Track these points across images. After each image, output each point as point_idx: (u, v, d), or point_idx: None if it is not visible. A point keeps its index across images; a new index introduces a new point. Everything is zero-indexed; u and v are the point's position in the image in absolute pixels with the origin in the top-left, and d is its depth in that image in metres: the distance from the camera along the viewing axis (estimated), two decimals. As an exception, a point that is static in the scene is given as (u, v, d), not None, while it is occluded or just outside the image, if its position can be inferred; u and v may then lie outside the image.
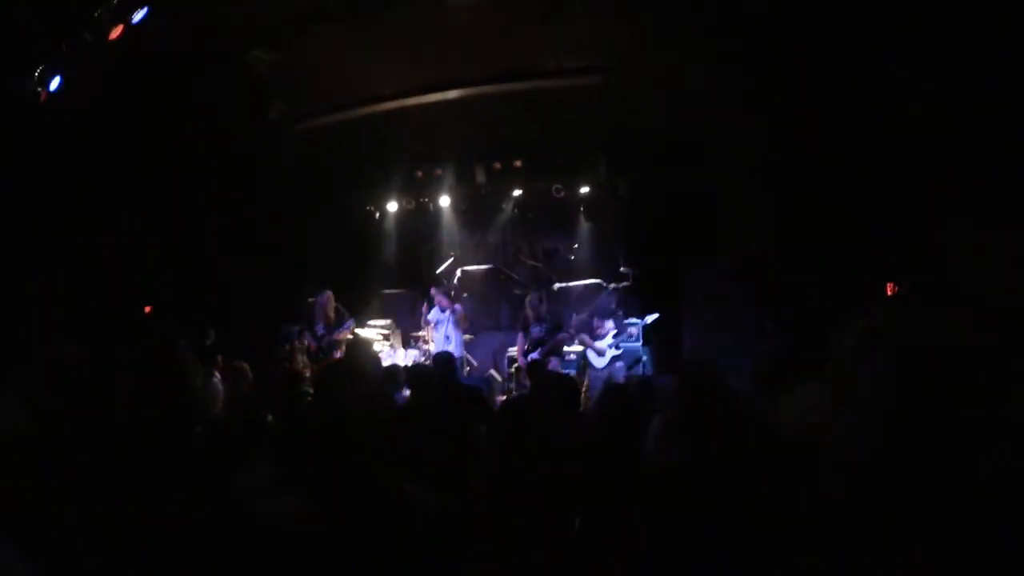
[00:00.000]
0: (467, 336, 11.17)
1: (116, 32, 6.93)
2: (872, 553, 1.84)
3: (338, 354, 9.23)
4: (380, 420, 3.61)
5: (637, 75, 8.91)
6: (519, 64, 9.00)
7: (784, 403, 3.23)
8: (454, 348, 9.86)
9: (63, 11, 6.86)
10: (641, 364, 10.27)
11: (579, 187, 11.95)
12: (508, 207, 12.54)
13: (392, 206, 12.73)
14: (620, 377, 9.41)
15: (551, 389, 4.46)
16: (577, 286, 12.08)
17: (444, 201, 12.48)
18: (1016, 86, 5.81)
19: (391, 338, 11.14)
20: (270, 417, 3.80)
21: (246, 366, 7.12)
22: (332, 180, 12.06)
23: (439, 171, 12.05)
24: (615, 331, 9.77)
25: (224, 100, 8.90)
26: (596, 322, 9.97)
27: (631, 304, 10.99)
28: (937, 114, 6.54)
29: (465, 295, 12.00)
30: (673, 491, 2.68)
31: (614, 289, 10.91)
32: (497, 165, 11.76)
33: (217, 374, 7.67)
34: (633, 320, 10.46)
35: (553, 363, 9.33)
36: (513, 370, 10.59)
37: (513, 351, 10.55)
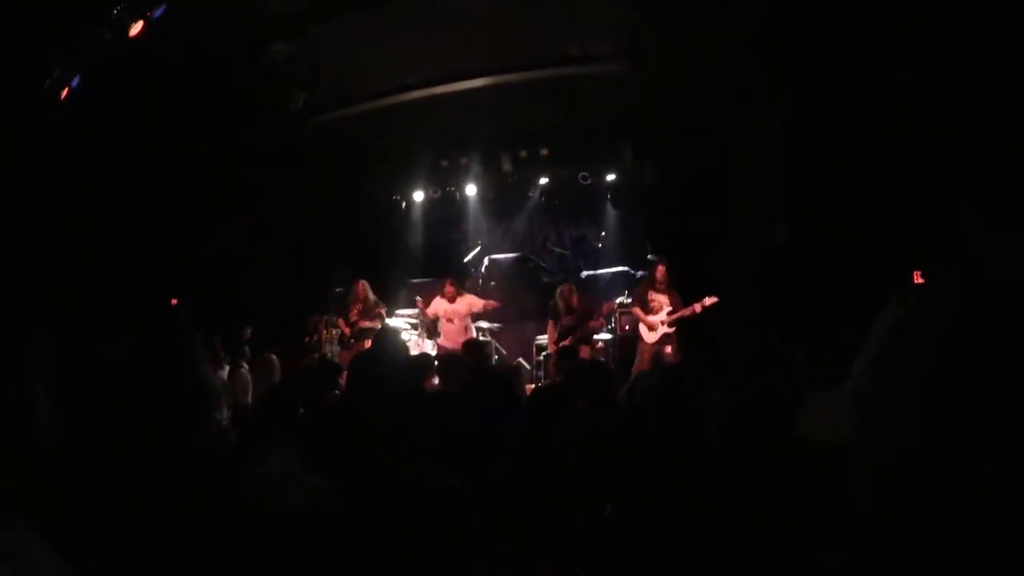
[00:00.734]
0: (495, 325, 11.20)
1: (136, 29, 6.96)
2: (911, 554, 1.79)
3: (368, 343, 9.28)
4: (411, 408, 3.61)
5: (662, 61, 8.83)
6: (544, 51, 8.95)
7: (811, 397, 3.18)
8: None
9: (82, 9, 6.89)
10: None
11: (605, 174, 11.90)
12: (534, 195, 12.53)
13: (418, 195, 12.76)
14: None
15: (583, 377, 4.44)
16: (605, 274, 12.04)
17: (470, 190, 12.48)
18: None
19: (419, 327, 11.17)
20: (301, 410, 3.82)
21: (275, 358, 7.17)
22: (358, 170, 12.09)
23: (465, 159, 12.04)
24: (670, 308, 9.48)
25: (247, 93, 8.93)
26: (651, 295, 9.69)
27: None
28: (961, 108, 6.44)
29: (493, 284, 12.00)
30: (712, 482, 2.66)
31: (641, 276, 10.83)
32: (523, 153, 11.74)
33: (245, 365, 7.74)
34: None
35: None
36: (542, 358, 10.59)
37: (541, 339, 10.53)
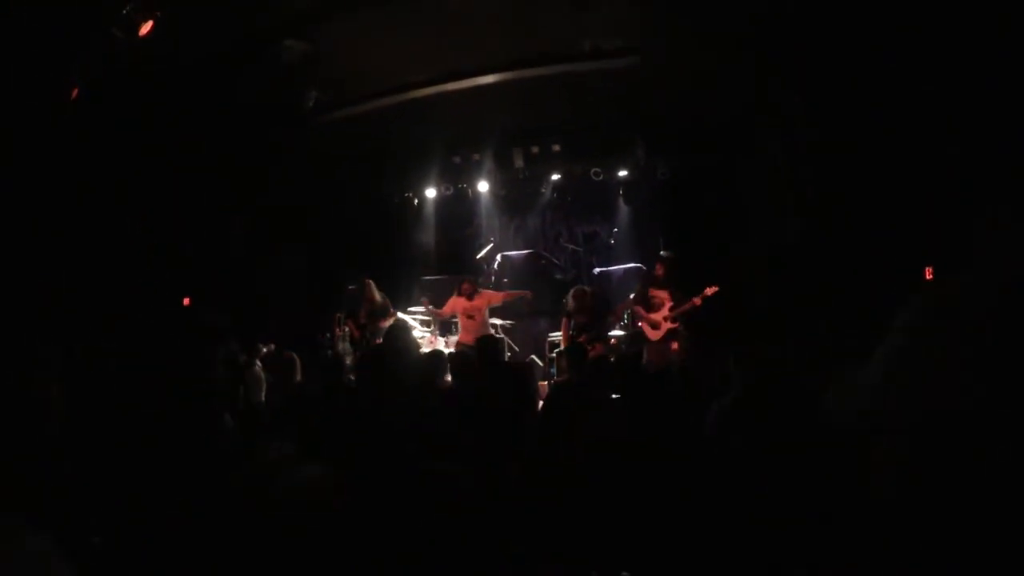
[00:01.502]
0: (508, 321, 11.19)
1: (146, 28, 6.97)
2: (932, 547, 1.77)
3: (379, 341, 9.29)
4: (422, 404, 3.61)
5: (674, 57, 8.79)
6: (555, 47, 8.92)
7: (833, 388, 3.15)
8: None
9: (92, 8, 6.89)
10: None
11: (617, 170, 11.87)
12: (547, 191, 12.53)
13: (431, 192, 12.77)
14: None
15: (596, 374, 4.43)
16: (617, 270, 12.01)
17: (482, 186, 12.48)
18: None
19: (431, 324, 11.18)
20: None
21: (296, 357, 7.17)
22: (370, 167, 12.11)
23: (477, 156, 12.06)
24: (672, 304, 9.44)
25: (258, 91, 8.95)
26: (653, 292, 9.65)
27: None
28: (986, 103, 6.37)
29: (505, 280, 11.99)
30: (731, 479, 2.64)
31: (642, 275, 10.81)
32: (535, 149, 11.73)
33: (259, 362, 7.75)
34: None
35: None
36: (554, 355, 10.57)
37: (555, 336, 10.51)
